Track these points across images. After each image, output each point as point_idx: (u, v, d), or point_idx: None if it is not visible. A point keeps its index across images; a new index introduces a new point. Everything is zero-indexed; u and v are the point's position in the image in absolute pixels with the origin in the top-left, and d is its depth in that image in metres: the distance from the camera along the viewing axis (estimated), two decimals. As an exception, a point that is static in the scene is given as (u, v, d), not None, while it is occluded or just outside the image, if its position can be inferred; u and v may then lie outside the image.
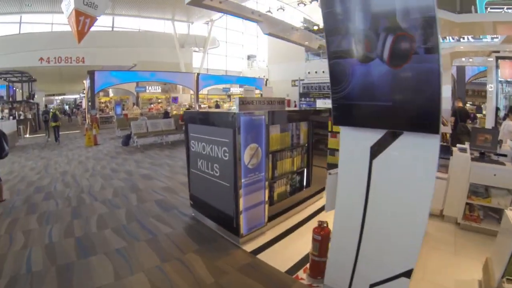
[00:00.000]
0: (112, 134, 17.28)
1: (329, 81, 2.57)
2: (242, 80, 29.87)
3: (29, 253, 3.86)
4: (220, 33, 33.46)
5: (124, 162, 9.36)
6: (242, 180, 3.85)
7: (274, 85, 28.22)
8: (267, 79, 29.59)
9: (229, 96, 30.80)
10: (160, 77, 23.86)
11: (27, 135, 19.02)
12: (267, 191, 4.19)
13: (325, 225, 3.14)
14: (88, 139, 12.88)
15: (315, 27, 22.91)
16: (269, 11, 16.10)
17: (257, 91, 30.87)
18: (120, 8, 25.62)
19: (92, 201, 5.85)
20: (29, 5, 21.90)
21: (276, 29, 19.93)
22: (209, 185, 4.39)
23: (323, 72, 24.66)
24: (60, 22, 24.77)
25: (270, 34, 17.22)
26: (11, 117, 18.65)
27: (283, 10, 21.30)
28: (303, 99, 20.76)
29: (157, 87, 28.69)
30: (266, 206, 4.24)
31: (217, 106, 27.28)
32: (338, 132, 2.85)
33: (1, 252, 3.89)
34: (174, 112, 27.19)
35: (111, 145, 13.04)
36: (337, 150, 2.95)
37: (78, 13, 9.48)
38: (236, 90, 31.13)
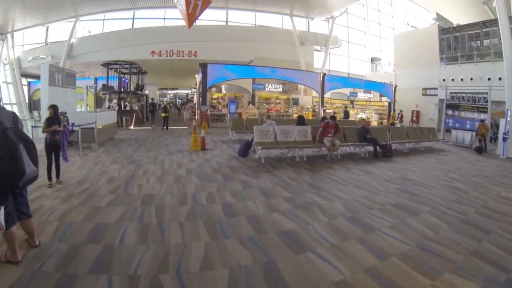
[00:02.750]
0: (224, 136, 15.23)
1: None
2: (370, 85, 29.27)
3: None
4: (341, 32, 33.38)
5: (244, 192, 6.22)
6: None
7: (401, 93, 28.01)
8: (395, 86, 28.22)
9: (352, 102, 30.26)
10: (281, 74, 22.78)
11: (132, 127, 19.25)
12: None
13: None
14: (194, 141, 10.59)
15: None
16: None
17: (384, 99, 29.59)
18: (234, 1, 26.10)
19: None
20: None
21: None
22: None
23: (462, 80, 23.28)
24: (172, 17, 27.41)
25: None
26: (117, 107, 19.09)
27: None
28: (450, 111, 17.26)
29: (277, 85, 27.63)
30: None
31: (346, 113, 24.64)
32: None
33: None
34: (295, 116, 24.63)
35: (224, 153, 10.45)
36: None
37: (188, -8, 8.21)
38: (362, 95, 31.03)
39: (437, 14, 27.41)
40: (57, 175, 6.38)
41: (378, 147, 10.95)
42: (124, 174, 7.32)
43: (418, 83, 27.40)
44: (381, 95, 30.40)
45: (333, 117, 10.62)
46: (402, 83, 28.74)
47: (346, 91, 29.69)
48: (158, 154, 9.93)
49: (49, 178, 6.23)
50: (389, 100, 28.69)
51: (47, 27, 27.68)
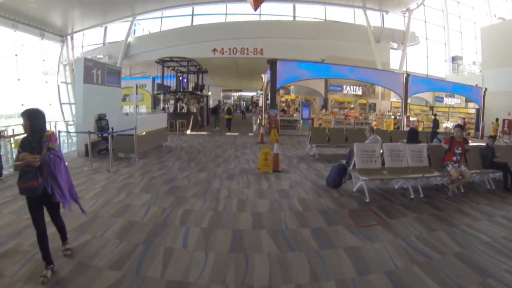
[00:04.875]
0: (299, 148, 12.35)
1: None
2: (458, 89, 25.13)
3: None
4: (418, 27, 30.02)
5: (362, 282, 3.19)
6: None
7: (489, 97, 24.04)
8: (485, 89, 24.10)
9: (431, 108, 27.77)
10: (360, 74, 20.11)
11: (188, 131, 17.40)
12: None
13: None
14: (263, 160, 7.64)
15: None
16: None
17: (471, 105, 26.55)
18: (302, -7, 24.30)
19: None
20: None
21: None
22: None
23: None
24: (234, 12, 26.22)
25: None
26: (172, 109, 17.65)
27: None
28: None
29: (356, 87, 26.23)
30: None
31: (435, 123, 20.98)
32: None
33: None
34: (374, 123, 20.93)
35: (305, 179, 7.32)
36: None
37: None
38: (449, 101, 28.80)
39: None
40: (62, 237, 3.56)
41: (510, 176, 7.25)
42: (152, 217, 4.65)
43: (511, 85, 23.33)
44: (467, 100, 27.20)
45: (459, 126, 6.97)
46: (491, 85, 24.30)
47: (425, 95, 26.94)
48: (213, 177, 7.19)
49: (47, 260, 3.14)
50: (477, 106, 24.44)
51: (105, 28, 27.86)
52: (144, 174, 7.28)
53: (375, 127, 19.76)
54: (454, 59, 32.07)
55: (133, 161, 8.86)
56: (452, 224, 4.89)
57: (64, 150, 10.94)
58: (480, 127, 22.03)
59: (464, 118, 23.62)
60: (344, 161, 7.07)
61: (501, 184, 7.37)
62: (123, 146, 9.34)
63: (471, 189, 7.09)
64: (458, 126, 6.94)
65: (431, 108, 27.55)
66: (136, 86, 14.00)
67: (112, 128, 9.21)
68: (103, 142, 9.97)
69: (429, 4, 30.29)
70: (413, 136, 8.07)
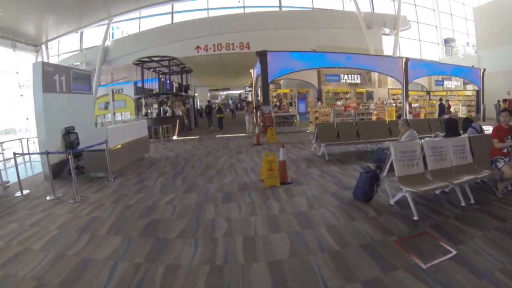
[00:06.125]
0: (302, 148, 10.71)
1: None
2: (457, 71, 23.95)
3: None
4: (408, 11, 29.12)
5: None
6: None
7: (486, 78, 23.17)
8: (484, 70, 23.17)
9: (428, 92, 26.47)
10: (358, 62, 18.63)
11: (175, 137, 15.84)
12: None
13: None
14: (268, 171, 5.94)
15: None
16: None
17: (471, 88, 25.63)
18: (286, -19, 23.23)
19: None
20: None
21: None
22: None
23: None
24: (216, 6, 25.46)
25: None
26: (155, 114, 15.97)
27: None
28: None
29: (354, 76, 24.13)
30: None
31: (441, 108, 19.74)
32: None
33: None
34: (374, 113, 19.47)
35: (324, 192, 5.62)
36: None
37: None
38: (449, 84, 27.22)
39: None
40: None
41: None
42: (118, 285, 2.96)
43: (508, 64, 22.74)
44: (464, 83, 26.51)
45: (507, 110, 5.43)
46: (487, 66, 23.55)
47: (421, 80, 25.19)
48: (204, 200, 5.48)
49: None
50: (476, 88, 23.63)
51: (81, 33, 26.27)
52: (117, 202, 5.58)
53: (376, 117, 18.52)
54: (446, 41, 31.58)
55: (106, 182, 7.14)
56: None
57: (25, 174, 9.19)
58: (481, 109, 20.71)
59: (448, 100, 22.44)
60: (372, 165, 5.45)
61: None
62: (96, 164, 7.64)
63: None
64: (505, 110, 5.44)
65: (428, 92, 26.46)
66: (113, 91, 12.24)
67: (79, 143, 7.56)
68: (74, 160, 8.28)
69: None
70: (452, 127, 6.44)
